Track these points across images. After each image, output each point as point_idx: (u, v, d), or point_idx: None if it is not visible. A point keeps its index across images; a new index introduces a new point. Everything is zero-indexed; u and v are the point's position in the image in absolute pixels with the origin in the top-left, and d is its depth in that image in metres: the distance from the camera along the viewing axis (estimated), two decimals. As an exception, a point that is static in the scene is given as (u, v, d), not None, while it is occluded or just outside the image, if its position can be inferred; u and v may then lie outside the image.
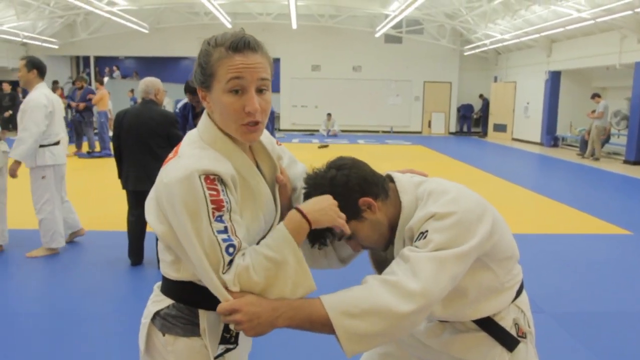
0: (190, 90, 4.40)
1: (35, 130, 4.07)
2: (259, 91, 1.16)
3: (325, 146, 13.58)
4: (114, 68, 21.46)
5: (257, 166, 1.29)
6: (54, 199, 4.30)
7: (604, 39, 12.32)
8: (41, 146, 4.18)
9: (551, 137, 15.28)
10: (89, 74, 19.17)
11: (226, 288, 1.08)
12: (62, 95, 12.21)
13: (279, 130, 18.27)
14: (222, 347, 1.17)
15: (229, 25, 15.42)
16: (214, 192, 1.09)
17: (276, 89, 18.28)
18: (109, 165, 8.36)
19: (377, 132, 18.96)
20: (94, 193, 7.17)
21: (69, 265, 4.22)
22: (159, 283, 1.30)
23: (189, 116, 4.64)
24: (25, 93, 4.38)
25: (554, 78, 15.01)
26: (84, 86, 11.10)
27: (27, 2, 13.55)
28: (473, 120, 19.44)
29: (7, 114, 13.13)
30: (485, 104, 18.70)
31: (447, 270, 1.16)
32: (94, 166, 9.78)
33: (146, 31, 16.88)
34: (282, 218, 1.22)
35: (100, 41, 17.66)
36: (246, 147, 1.25)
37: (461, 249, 1.18)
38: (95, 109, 11.27)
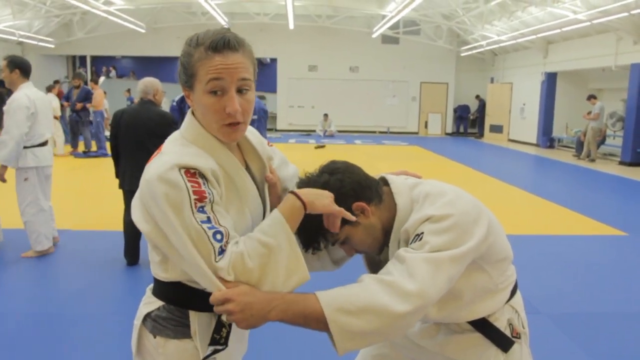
0: None
1: (16, 132, 3.99)
2: (240, 91, 1.15)
3: (322, 147, 13.57)
4: (111, 68, 21.39)
5: (247, 166, 1.29)
6: (38, 201, 4.23)
7: (600, 41, 12.36)
8: (24, 147, 4.09)
9: (547, 138, 15.32)
10: (85, 72, 19.08)
11: (219, 278, 1.07)
12: (61, 94, 12.00)
13: (276, 130, 18.26)
14: (211, 348, 1.16)
15: (226, 26, 15.40)
16: (195, 184, 1.09)
17: (273, 89, 18.19)
18: (105, 165, 8.34)
19: (374, 132, 18.97)
20: (90, 193, 7.14)
21: (64, 265, 4.21)
22: (152, 285, 1.30)
23: (185, 109, 4.64)
24: (11, 93, 4.33)
25: (550, 79, 15.05)
26: (81, 85, 10.82)
27: (24, 1, 13.49)
28: (469, 121, 19.46)
29: None
30: (482, 105, 18.73)
31: (444, 272, 1.16)
32: (90, 166, 9.75)
33: (143, 31, 16.85)
34: None
35: (96, 41, 17.61)
36: (232, 146, 1.25)
37: (457, 251, 1.18)
38: (91, 109, 11.14)
